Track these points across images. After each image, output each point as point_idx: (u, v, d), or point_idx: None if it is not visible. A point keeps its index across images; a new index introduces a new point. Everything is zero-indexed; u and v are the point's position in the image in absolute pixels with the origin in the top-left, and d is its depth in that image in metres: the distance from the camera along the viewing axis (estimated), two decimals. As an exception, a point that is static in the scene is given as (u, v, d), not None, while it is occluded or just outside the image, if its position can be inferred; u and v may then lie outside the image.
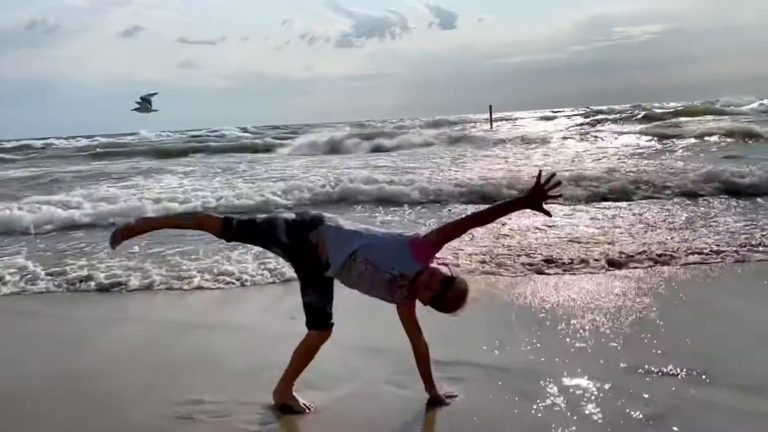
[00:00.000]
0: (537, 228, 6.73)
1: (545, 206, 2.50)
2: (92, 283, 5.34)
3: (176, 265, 5.74)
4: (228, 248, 6.36)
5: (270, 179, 12.51)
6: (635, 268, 4.91)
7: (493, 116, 32.94)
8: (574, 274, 4.89)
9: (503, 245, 5.93)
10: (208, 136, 33.49)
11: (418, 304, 2.67)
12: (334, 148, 21.59)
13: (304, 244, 2.67)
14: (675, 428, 2.49)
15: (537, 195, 2.48)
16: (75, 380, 3.35)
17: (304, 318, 2.81)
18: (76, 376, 3.42)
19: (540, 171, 2.55)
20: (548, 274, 4.92)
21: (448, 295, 2.49)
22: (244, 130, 39.11)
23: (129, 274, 5.48)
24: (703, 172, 8.90)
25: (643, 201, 7.99)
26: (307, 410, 2.80)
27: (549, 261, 5.25)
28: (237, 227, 2.73)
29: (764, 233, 5.76)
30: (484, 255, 5.56)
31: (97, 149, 26.68)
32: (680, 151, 14.16)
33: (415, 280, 2.52)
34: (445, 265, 2.61)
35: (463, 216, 2.70)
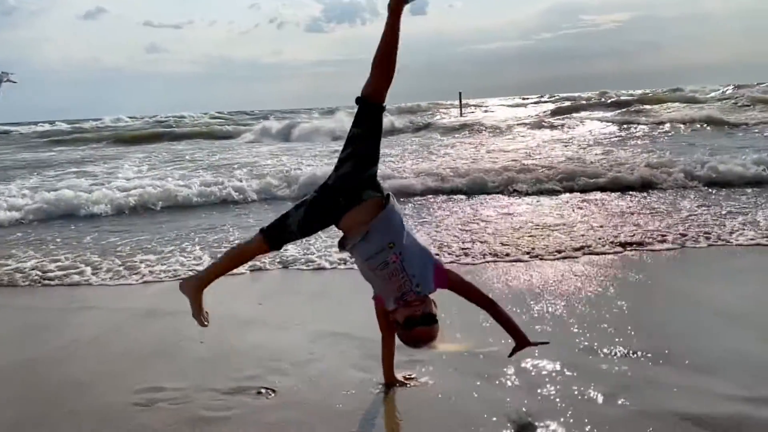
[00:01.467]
0: (501, 215, 6.82)
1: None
2: (44, 275, 5.25)
3: (129, 255, 5.70)
4: (183, 239, 6.30)
5: (230, 166, 12.26)
6: (595, 254, 5.00)
7: (465, 103, 33.02)
8: (536, 260, 4.96)
9: (466, 231, 6.00)
10: (176, 121, 32.84)
11: None
12: (299, 135, 21.10)
13: (354, 191, 2.54)
14: (626, 404, 2.58)
15: (528, 346, 2.67)
16: (34, 369, 3.30)
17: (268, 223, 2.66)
18: (36, 364, 3.36)
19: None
20: (510, 260, 4.99)
21: (420, 328, 2.43)
22: (213, 116, 38.47)
23: (83, 265, 5.41)
24: (666, 160, 9.11)
25: (603, 190, 8.00)
26: (204, 323, 2.72)
27: (510, 247, 5.34)
28: (382, 109, 2.60)
29: (720, 221, 5.95)
30: (445, 241, 5.62)
31: (60, 136, 25.90)
32: (644, 139, 14.43)
33: (407, 300, 2.45)
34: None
35: (485, 295, 2.63)
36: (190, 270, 5.12)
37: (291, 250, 5.41)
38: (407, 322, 2.43)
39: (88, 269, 5.31)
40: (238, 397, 2.84)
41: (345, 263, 5.09)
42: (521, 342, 2.64)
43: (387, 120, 22.30)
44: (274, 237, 2.59)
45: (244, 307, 4.17)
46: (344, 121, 22.56)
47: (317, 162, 12.40)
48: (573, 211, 6.85)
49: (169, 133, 24.28)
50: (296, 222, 2.57)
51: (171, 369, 3.20)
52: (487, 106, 37.72)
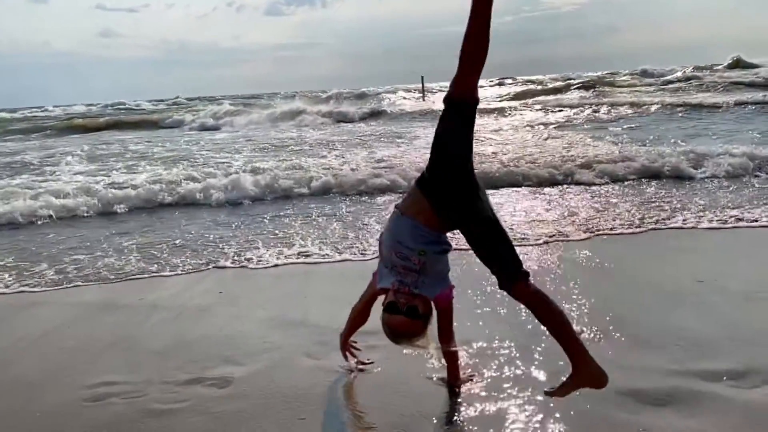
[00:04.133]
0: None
1: None
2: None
3: (66, 255, 5.55)
4: (117, 239, 6.15)
5: (174, 159, 11.52)
6: (546, 243, 5.11)
7: (429, 87, 32.56)
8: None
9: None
10: (131, 109, 31.95)
11: None
12: (247, 123, 20.49)
13: (439, 189, 2.48)
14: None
15: (456, 383, 2.75)
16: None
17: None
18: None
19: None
20: (465, 248, 5.06)
21: (399, 317, 2.41)
22: (174, 102, 37.59)
23: (10, 272, 5.10)
24: (624, 152, 9.04)
25: (556, 183, 7.75)
26: None
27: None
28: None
29: (665, 206, 6.19)
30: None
31: (10, 125, 24.83)
32: (601, 123, 14.68)
33: (400, 289, 2.47)
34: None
35: (453, 336, 2.68)
36: (122, 270, 4.99)
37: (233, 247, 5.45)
38: (389, 305, 2.44)
39: (23, 271, 5.08)
40: (191, 388, 2.85)
41: (307, 256, 5.12)
42: (453, 378, 2.78)
43: (344, 107, 22.06)
44: (457, 97, 2.62)
45: (197, 298, 4.16)
46: (298, 106, 22.29)
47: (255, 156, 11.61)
48: (524, 200, 6.99)
49: (120, 122, 23.54)
50: (444, 130, 2.63)
51: (123, 363, 3.18)
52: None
